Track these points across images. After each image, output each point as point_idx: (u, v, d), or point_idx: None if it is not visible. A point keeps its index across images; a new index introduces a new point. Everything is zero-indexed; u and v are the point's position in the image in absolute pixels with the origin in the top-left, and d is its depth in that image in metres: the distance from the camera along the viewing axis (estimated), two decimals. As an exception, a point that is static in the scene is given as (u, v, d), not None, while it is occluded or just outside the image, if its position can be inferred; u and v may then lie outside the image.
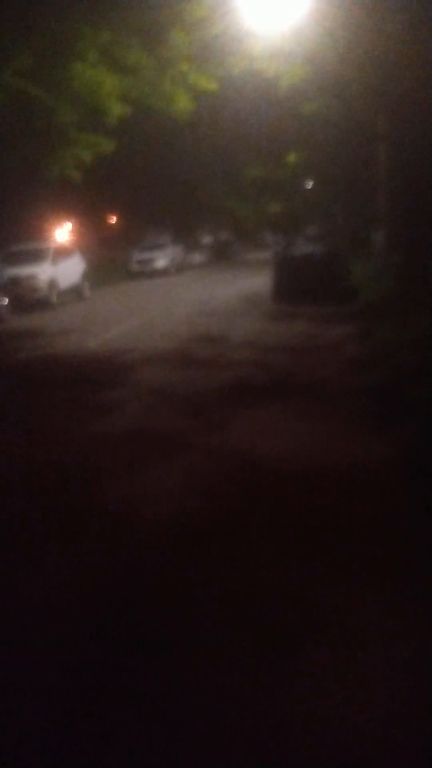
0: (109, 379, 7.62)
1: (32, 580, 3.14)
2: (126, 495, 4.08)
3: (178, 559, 3.24)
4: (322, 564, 3.09)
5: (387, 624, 2.59)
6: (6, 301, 14.11)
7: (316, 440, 4.98)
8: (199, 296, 17.58)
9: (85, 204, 24.67)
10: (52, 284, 16.11)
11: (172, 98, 15.31)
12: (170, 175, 29.15)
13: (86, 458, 4.88)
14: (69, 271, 17.35)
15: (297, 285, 14.20)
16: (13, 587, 3.10)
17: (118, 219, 33.34)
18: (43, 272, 15.83)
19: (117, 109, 15.24)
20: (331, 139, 19.64)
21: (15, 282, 14.77)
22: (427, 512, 3.60)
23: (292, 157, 33.03)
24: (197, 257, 35.73)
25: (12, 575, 3.22)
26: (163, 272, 27.35)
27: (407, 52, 12.60)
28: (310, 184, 43.12)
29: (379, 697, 2.18)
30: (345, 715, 2.10)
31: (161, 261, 27.60)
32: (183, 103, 15.42)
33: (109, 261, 28.73)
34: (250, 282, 21.04)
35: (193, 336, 10.51)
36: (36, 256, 16.36)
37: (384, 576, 2.97)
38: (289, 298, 14.16)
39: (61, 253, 17.58)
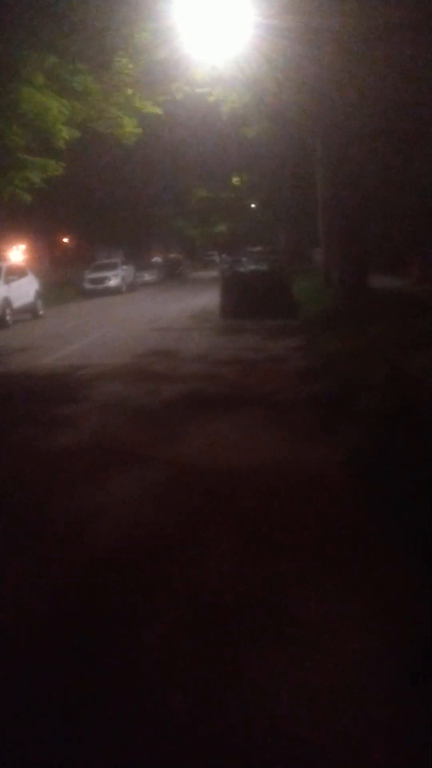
0: (64, 395, 7.83)
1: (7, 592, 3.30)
2: (83, 506, 4.23)
3: (135, 564, 3.43)
4: (276, 561, 3.35)
5: (334, 613, 2.87)
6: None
7: (268, 448, 5.30)
8: (150, 313, 17.90)
9: (37, 225, 24.82)
10: (6, 303, 16.24)
11: (119, 122, 15.71)
12: (120, 196, 29.54)
13: (43, 472, 5.02)
14: (22, 291, 17.51)
15: (244, 301, 14.70)
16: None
17: (70, 239, 33.51)
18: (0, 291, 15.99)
19: (65, 133, 15.52)
20: (272, 162, 20.38)
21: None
22: (370, 510, 3.91)
23: (236, 179, 33.87)
24: (148, 276, 36.14)
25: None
26: (115, 291, 27.66)
27: (340, 78, 13.33)
28: (254, 205, 44.17)
29: (322, 685, 2.47)
30: (293, 703, 2.33)
31: (113, 280, 27.95)
32: (129, 128, 15.83)
33: (62, 280, 28.90)
34: (199, 299, 21.49)
35: (146, 351, 10.82)
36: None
37: (331, 567, 3.26)
38: (236, 314, 14.65)
39: (14, 272, 17.77)
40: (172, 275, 41.32)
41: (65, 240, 35.00)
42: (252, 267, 15.98)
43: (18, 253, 25.75)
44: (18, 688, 2.45)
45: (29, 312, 18.18)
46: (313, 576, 3.17)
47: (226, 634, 2.73)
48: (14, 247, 26.43)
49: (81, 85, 15.08)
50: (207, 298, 20.79)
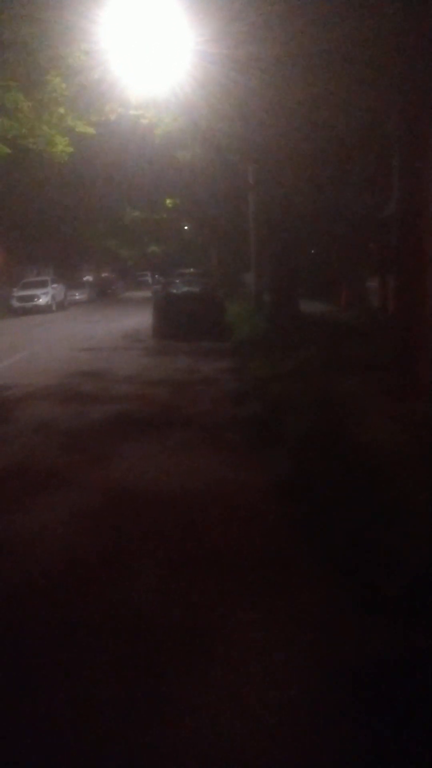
0: (-9, 416, 7.63)
1: None
2: (5, 531, 4.16)
3: (62, 592, 3.36)
4: (202, 582, 3.36)
5: (259, 633, 2.91)
6: None
7: (195, 469, 5.30)
8: (81, 332, 17.68)
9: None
10: None
11: (51, 141, 15.57)
12: (51, 215, 29.22)
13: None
14: None
15: (176, 322, 14.72)
16: None
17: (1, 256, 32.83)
18: None
19: (-6, 149, 15.32)
20: (205, 186, 20.66)
21: None
22: (295, 531, 3.97)
23: (170, 202, 34.09)
24: (79, 295, 35.78)
25: None
26: (45, 309, 27.23)
27: (270, 105, 13.68)
28: (186, 227, 44.52)
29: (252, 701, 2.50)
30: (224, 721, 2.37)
31: (42, 298, 27.50)
32: (61, 146, 15.71)
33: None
34: (131, 319, 21.40)
35: (75, 371, 10.66)
36: None
37: (256, 588, 3.29)
38: (168, 335, 14.65)
39: None
40: (103, 295, 41.10)
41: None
42: (184, 288, 16.04)
43: None
44: None
45: None
46: (239, 597, 3.18)
47: (152, 656, 2.69)
48: None
49: (12, 103, 14.91)
50: (139, 319, 20.73)
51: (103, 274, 48.12)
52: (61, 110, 15.04)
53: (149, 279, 66.85)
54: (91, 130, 15.54)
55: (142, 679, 2.58)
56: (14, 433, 6.76)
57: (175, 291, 16.05)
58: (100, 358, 12.38)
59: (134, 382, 9.63)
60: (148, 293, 45.91)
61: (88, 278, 44.19)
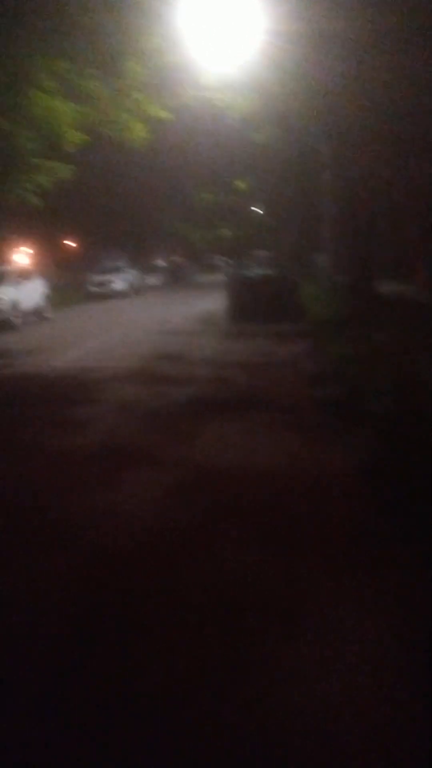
0: (76, 397, 7.90)
1: (17, 588, 3.37)
2: (98, 506, 4.31)
3: (161, 563, 3.51)
4: (288, 556, 3.46)
5: (351, 606, 2.99)
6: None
7: (278, 450, 5.37)
8: (157, 317, 17.98)
9: (44, 228, 24.94)
10: (15, 306, 16.33)
11: (128, 127, 15.80)
12: (126, 200, 29.67)
13: (57, 473, 5.08)
14: (30, 293, 17.60)
15: (250, 305, 14.77)
16: None
17: (75, 242, 33.63)
18: (5, 294, 16.05)
19: (73, 137, 15.64)
20: (278, 167, 20.50)
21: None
22: (381, 511, 3.98)
23: (242, 184, 33.94)
24: (152, 280, 36.24)
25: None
26: (121, 294, 27.74)
27: (347, 83, 13.43)
28: (259, 210, 44.29)
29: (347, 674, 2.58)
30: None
31: (119, 283, 28.03)
32: (138, 132, 15.91)
33: (66, 283, 28.98)
34: (204, 303, 21.55)
35: (154, 354, 10.89)
36: (1, 277, 16.63)
37: (341, 564, 3.36)
38: (243, 318, 14.72)
39: (23, 275, 17.89)
40: (175, 279, 41.43)
41: (71, 243, 35.15)
42: (258, 271, 16.05)
43: (24, 256, 25.87)
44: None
45: (37, 314, 18.26)
46: (326, 574, 3.24)
47: (239, 632, 2.80)
48: (19, 250, 26.55)
49: (90, 90, 15.19)
50: (212, 302, 20.86)
51: (175, 259, 48.40)
52: (138, 96, 15.23)
53: (220, 262, 67.03)
54: (166, 115, 15.68)
55: (236, 642, 2.69)
56: (101, 413, 7.01)
57: (249, 273, 16.07)
58: (177, 341, 12.57)
59: (212, 364, 9.76)
60: (219, 277, 46.00)
61: (160, 263, 44.63)
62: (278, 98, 15.21)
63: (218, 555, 3.53)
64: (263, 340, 12.03)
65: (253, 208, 44.12)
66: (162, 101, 15.52)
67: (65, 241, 33.80)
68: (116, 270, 29.04)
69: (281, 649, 2.64)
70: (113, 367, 9.79)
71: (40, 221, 22.22)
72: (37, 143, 15.69)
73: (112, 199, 28.38)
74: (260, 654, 2.62)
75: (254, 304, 14.63)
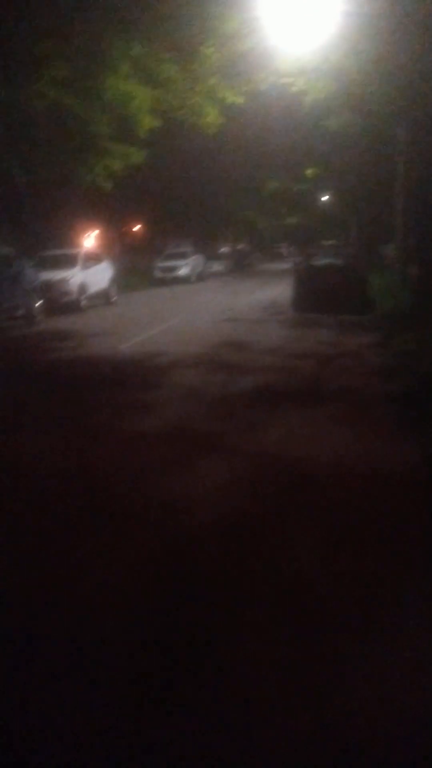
0: (142, 381, 7.97)
1: (92, 569, 3.41)
2: (178, 491, 4.32)
3: (228, 550, 3.50)
4: (363, 551, 3.41)
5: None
6: (41, 305, 14.58)
7: (347, 443, 5.25)
8: (221, 304, 17.98)
9: (112, 212, 25.24)
10: (82, 288, 16.63)
11: (201, 112, 15.79)
12: (194, 186, 29.71)
13: (127, 457, 5.13)
14: (98, 277, 17.90)
15: (317, 295, 14.58)
16: (75, 578, 3.43)
17: (142, 227, 33.92)
18: (73, 277, 16.36)
19: (147, 121, 15.75)
20: (352, 154, 20.08)
21: (46, 286, 15.26)
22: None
23: (310, 171, 33.44)
24: (216, 266, 36.25)
25: (71, 567, 3.53)
26: (185, 280, 27.91)
27: (427, 67, 13.00)
28: (326, 198, 43.62)
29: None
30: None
31: (184, 269, 28.20)
32: (212, 117, 15.89)
33: (131, 268, 29.32)
34: (268, 291, 21.43)
35: (219, 341, 10.88)
36: (67, 261, 16.94)
37: (420, 559, 3.30)
38: (309, 307, 14.54)
39: (91, 258, 18.20)
40: (240, 266, 41.32)
41: (136, 228, 35.43)
42: (326, 260, 15.81)
43: (91, 240, 26.24)
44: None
45: (103, 298, 18.54)
46: (401, 568, 3.17)
47: (313, 621, 2.76)
48: (88, 234, 26.93)
49: (165, 74, 15.24)
50: (277, 291, 20.73)
51: (240, 246, 48.29)
52: (213, 81, 15.18)
53: (284, 251, 66.53)
54: (240, 100, 15.59)
55: (315, 629, 2.66)
56: (169, 398, 7.05)
57: (316, 263, 15.86)
58: (242, 329, 12.53)
59: (278, 353, 9.68)
60: (284, 265, 45.61)
61: (225, 249, 44.57)
62: (355, 83, 14.89)
63: (293, 547, 3.49)
64: (330, 331, 11.86)
65: (320, 195, 43.54)
66: (237, 87, 15.43)
67: (132, 226, 34.11)
68: (182, 256, 29.23)
69: (358, 644, 2.59)
70: (179, 353, 9.83)
71: (109, 205, 22.47)
72: (112, 128, 15.86)
73: (181, 184, 28.43)
74: (336, 648, 2.58)
75: (321, 294, 14.44)
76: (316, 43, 14.93)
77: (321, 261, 15.95)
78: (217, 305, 17.52)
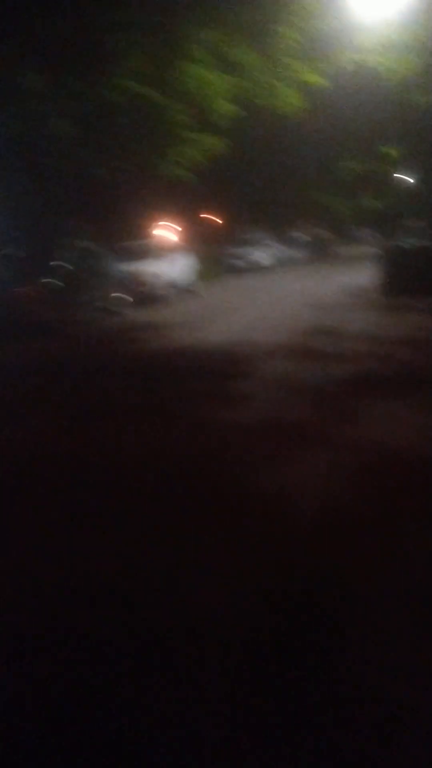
0: (237, 371, 7.79)
1: (199, 559, 3.30)
2: (279, 485, 4.16)
3: (332, 542, 3.35)
4: None
5: None
6: (127, 297, 14.67)
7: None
8: (304, 290, 17.61)
9: (190, 202, 25.15)
10: (164, 279, 16.60)
11: (281, 95, 15.37)
12: (271, 171, 29.23)
13: (231, 448, 4.99)
14: (179, 267, 17.82)
15: (407, 278, 14.00)
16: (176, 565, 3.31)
17: (217, 215, 33.75)
18: (157, 268, 16.33)
19: (226, 109, 15.48)
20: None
21: (130, 278, 15.28)
22: None
23: (392, 151, 32.29)
24: (294, 253, 35.67)
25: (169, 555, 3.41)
26: (264, 268, 27.58)
27: None
28: (409, 179, 42.07)
29: None
30: None
31: (262, 257, 27.88)
32: (292, 100, 15.46)
33: (210, 257, 29.18)
34: (351, 277, 20.84)
35: (309, 329, 10.58)
36: (148, 252, 16.93)
37: None
38: (398, 291, 13.99)
39: (173, 249, 18.12)
40: (318, 252, 40.52)
41: (212, 216, 35.20)
42: (415, 242, 15.14)
43: (169, 230, 26.19)
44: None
45: (185, 288, 18.50)
46: None
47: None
48: (165, 224, 26.87)
49: (241, 59, 14.90)
50: (360, 276, 20.13)
51: (317, 231, 47.28)
52: (292, 62, 14.73)
53: (364, 235, 64.81)
54: (323, 81, 15.06)
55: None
56: (261, 388, 6.87)
57: (404, 245, 15.24)
58: (330, 315, 12.15)
59: (370, 340, 9.31)
60: (363, 250, 44.47)
61: (302, 235, 43.74)
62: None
63: (403, 545, 3.25)
64: (423, 316, 11.34)
65: (404, 177, 42.11)
66: (317, 67, 14.91)
67: (209, 215, 33.95)
68: (259, 243, 28.87)
69: None
70: (267, 342, 9.61)
71: (187, 195, 22.36)
72: (190, 117, 15.70)
73: (260, 171, 28.01)
74: None
75: (411, 277, 13.85)
76: (399, 18, 14.27)
77: (410, 242, 15.31)
78: (301, 292, 17.17)
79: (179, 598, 2.89)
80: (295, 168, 31.44)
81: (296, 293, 17.00)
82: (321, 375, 7.29)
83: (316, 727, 2.08)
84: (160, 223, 23.65)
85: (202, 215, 31.94)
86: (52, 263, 12.69)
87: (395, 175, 42.03)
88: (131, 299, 15.12)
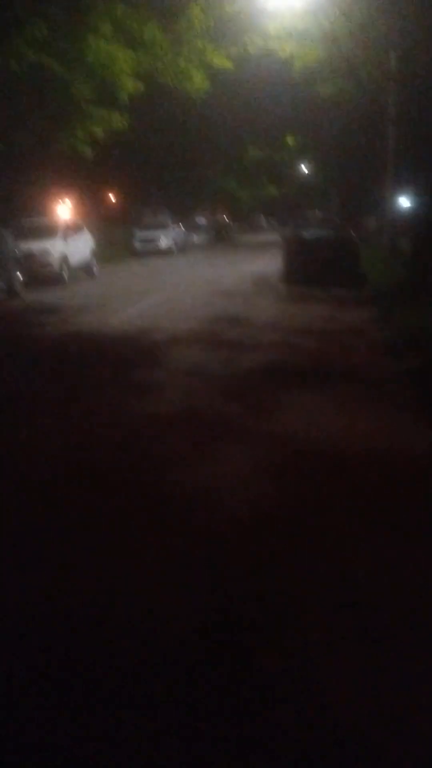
0: (141, 359, 7.63)
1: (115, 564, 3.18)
2: (201, 482, 4.03)
3: (254, 538, 3.29)
4: (409, 541, 3.20)
5: None
6: (21, 277, 13.99)
7: (364, 425, 5.00)
8: (208, 276, 17.56)
9: (88, 180, 24.42)
10: (64, 260, 16.02)
11: (187, 76, 15.17)
12: (175, 154, 28.91)
13: (147, 441, 4.82)
14: (79, 248, 17.25)
15: (309, 267, 14.25)
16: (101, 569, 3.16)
17: (117, 196, 33.03)
18: (55, 248, 15.73)
19: (130, 85, 15.10)
20: (340, 122, 19.63)
21: (27, 257, 14.62)
22: None
23: (291, 140, 32.79)
24: (196, 238, 35.61)
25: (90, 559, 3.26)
26: (166, 252, 27.30)
27: (421, 33, 12.63)
28: (305, 167, 42.99)
29: None
30: None
31: (164, 240, 27.55)
32: (198, 82, 15.29)
33: (109, 239, 28.56)
34: (253, 264, 21.06)
35: (213, 316, 10.53)
36: (47, 231, 16.27)
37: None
38: (300, 280, 14.22)
39: (71, 229, 17.49)
40: (219, 238, 40.70)
41: (111, 197, 34.43)
42: (318, 232, 15.45)
43: (66, 208, 25.28)
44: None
45: (84, 269, 17.97)
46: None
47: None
48: (64, 202, 25.92)
49: (149, 36, 14.58)
50: (262, 264, 20.36)
51: (218, 217, 47.47)
52: (199, 43, 14.57)
53: (264, 222, 65.81)
54: (229, 64, 15.01)
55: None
56: (170, 378, 6.72)
57: (306, 234, 15.50)
58: (234, 303, 12.18)
59: (277, 329, 9.38)
60: (263, 237, 45.15)
61: (202, 220, 43.79)
62: (345, 47, 14.44)
63: (335, 543, 3.23)
64: (325, 305, 11.59)
65: (300, 165, 42.98)
66: (224, 49, 14.83)
67: (108, 194, 33.17)
68: (162, 226, 28.52)
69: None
70: (173, 329, 9.48)
71: (86, 173, 21.69)
72: (93, 91, 15.18)
73: (161, 152, 27.61)
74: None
75: (312, 267, 14.11)
76: (305, 6, 14.42)
77: (312, 232, 15.59)
78: (204, 278, 17.11)
79: (102, 602, 2.73)
80: (200, 152, 31.30)
81: (200, 279, 16.93)
82: (231, 365, 7.23)
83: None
84: (60, 200, 22.83)
85: (103, 194, 31.17)
86: None
87: (296, 164, 42.87)
88: (30, 280, 14.49)
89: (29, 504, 3.82)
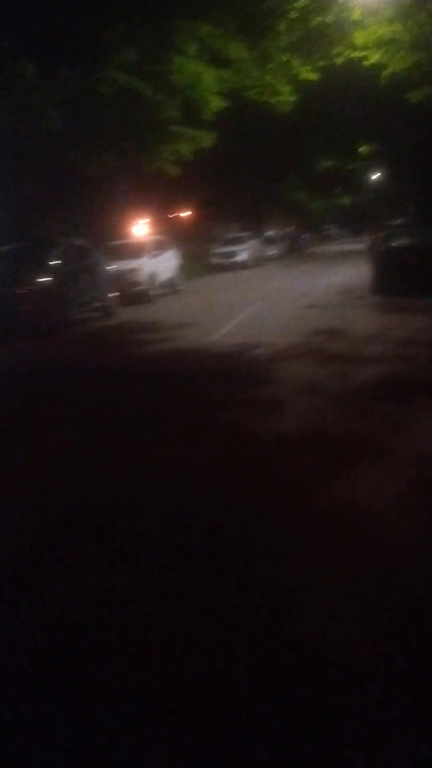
0: (252, 376, 7.57)
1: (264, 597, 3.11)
2: (348, 505, 3.90)
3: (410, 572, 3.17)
4: None
5: None
6: (119, 296, 14.34)
7: None
8: (290, 289, 17.46)
9: (169, 197, 24.79)
10: (152, 278, 16.30)
11: (273, 90, 15.19)
12: (254, 167, 29.03)
13: (281, 462, 4.73)
14: (165, 265, 17.57)
15: (400, 277, 13.94)
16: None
17: (193, 212, 33.44)
18: (143, 267, 16.03)
19: (215, 103, 15.24)
20: (428, 127, 19.23)
21: (117, 276, 14.95)
22: None
23: (365, 149, 32.35)
24: (269, 250, 35.62)
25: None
26: (243, 266, 27.45)
27: None
28: (377, 177, 42.30)
29: None
30: None
31: (241, 254, 27.76)
32: (284, 95, 15.30)
33: (188, 254, 28.92)
34: (334, 275, 20.82)
35: (311, 330, 10.39)
36: (134, 250, 16.61)
37: None
38: (391, 291, 13.92)
39: (158, 247, 17.83)
40: (291, 250, 40.57)
41: (189, 213, 34.88)
42: (407, 241, 15.11)
43: (147, 227, 25.79)
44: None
45: (170, 286, 18.22)
46: None
47: None
48: (145, 221, 26.46)
49: (234, 54, 14.69)
50: (343, 275, 20.11)
51: (289, 229, 47.30)
52: (285, 58, 14.57)
53: (333, 232, 65.16)
54: (315, 77, 14.94)
55: None
56: (288, 395, 6.60)
57: (396, 243, 15.19)
58: (328, 315, 12.01)
59: (381, 341, 9.15)
60: (335, 247, 44.67)
61: (274, 233, 43.78)
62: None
63: None
64: (425, 316, 11.26)
65: (373, 174, 42.40)
66: (311, 63, 14.77)
67: (186, 212, 33.63)
68: (239, 241, 28.77)
69: None
70: (274, 343, 9.39)
71: (170, 191, 22.01)
72: (179, 110, 15.40)
73: (239, 165, 27.74)
74: None
75: (405, 276, 13.79)
76: (393, 13, 14.19)
77: (401, 241, 15.26)
78: (288, 291, 17.01)
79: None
80: (275, 165, 31.33)
81: (285, 291, 16.85)
82: (347, 379, 7.06)
83: None
84: (144, 219, 23.29)
85: (182, 212, 31.62)
86: (46, 262, 12.27)
87: (367, 173, 42.33)
88: (123, 298, 14.79)
89: (193, 526, 3.80)
